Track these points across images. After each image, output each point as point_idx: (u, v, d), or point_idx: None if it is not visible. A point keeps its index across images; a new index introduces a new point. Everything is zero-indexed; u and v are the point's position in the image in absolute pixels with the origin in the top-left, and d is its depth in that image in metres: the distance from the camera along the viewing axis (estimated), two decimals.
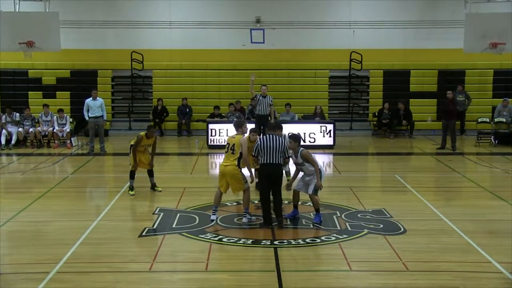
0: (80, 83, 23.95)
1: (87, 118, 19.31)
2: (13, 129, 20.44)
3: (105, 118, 19.58)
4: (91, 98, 19.23)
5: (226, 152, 10.89)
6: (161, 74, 24.82)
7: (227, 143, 10.93)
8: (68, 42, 22.68)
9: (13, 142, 20.31)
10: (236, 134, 10.99)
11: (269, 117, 17.41)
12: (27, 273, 8.54)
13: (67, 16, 22.75)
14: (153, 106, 24.02)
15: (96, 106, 19.26)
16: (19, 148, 20.20)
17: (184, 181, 14.94)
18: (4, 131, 20.31)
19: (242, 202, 11.13)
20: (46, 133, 20.74)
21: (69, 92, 24.18)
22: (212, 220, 10.85)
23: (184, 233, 10.29)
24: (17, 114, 20.97)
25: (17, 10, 21.52)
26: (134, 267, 8.75)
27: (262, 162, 10.34)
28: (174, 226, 10.73)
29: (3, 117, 20.78)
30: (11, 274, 8.59)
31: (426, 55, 24.66)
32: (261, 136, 10.64)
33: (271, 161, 10.30)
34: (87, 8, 24.49)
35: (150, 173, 13.40)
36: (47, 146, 20.59)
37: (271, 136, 10.43)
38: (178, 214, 11.42)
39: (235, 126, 11.23)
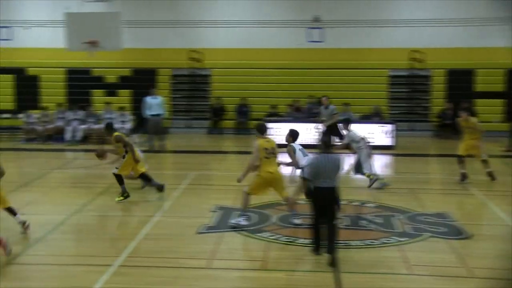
0: (141, 81, 24.31)
1: (146, 116, 19.61)
2: (78, 126, 21.02)
3: (164, 116, 19.83)
4: (150, 96, 19.53)
5: (267, 157, 10.37)
6: (220, 73, 24.96)
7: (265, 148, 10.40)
8: (130, 41, 23.04)
9: (77, 138, 20.86)
10: (264, 137, 10.65)
11: (337, 126, 17.34)
12: (89, 265, 8.75)
13: (128, 16, 23.13)
14: (211, 104, 24.18)
15: (155, 104, 19.55)
16: (83, 144, 20.70)
17: None
18: (70, 127, 20.88)
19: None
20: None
21: (130, 90, 24.59)
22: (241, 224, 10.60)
23: (242, 231, 10.31)
24: (82, 111, 21.52)
25: (82, 11, 22.01)
26: (192, 264, 8.84)
27: (317, 185, 8.89)
28: (231, 220, 10.75)
29: (70, 114, 21.37)
30: (73, 266, 8.82)
31: (491, 53, 23.93)
32: (317, 155, 9.23)
33: (327, 185, 8.85)
34: (147, 8, 24.85)
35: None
36: (109, 143, 20.96)
37: (326, 156, 8.98)
38: (236, 212, 11.44)
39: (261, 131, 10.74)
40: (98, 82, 24.84)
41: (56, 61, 24.18)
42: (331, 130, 17.70)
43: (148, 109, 19.67)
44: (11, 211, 10.14)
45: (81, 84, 24.67)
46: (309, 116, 21.26)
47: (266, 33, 24.54)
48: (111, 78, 24.90)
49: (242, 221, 10.51)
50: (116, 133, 13.07)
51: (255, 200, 12.23)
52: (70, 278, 8.31)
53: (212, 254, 9.28)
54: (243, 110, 23.58)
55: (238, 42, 24.74)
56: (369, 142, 14.09)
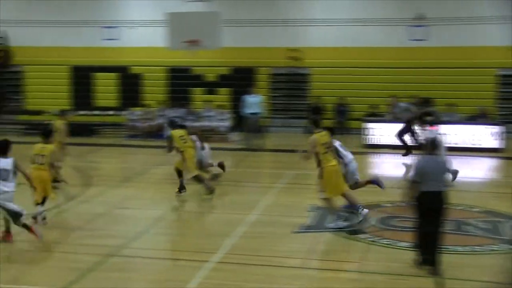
0: (240, 80, 24.50)
1: (245, 115, 19.73)
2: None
3: (262, 115, 19.89)
4: (249, 95, 19.65)
5: (326, 152, 10.24)
6: (319, 72, 24.73)
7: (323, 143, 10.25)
8: (229, 40, 23.23)
9: None
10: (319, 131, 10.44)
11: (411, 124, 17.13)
12: (187, 260, 8.87)
13: (228, 15, 23.34)
14: (310, 104, 24.01)
15: (254, 102, 19.64)
16: None
17: None
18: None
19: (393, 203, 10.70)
20: (208, 128, 21.51)
21: (229, 89, 24.82)
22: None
23: (339, 232, 10.10)
24: (182, 109, 22.00)
25: (183, 11, 22.45)
26: (288, 263, 8.77)
27: (423, 189, 8.24)
28: (328, 224, 10.57)
29: (170, 111, 21.89)
30: (171, 260, 8.98)
31: None
32: (423, 157, 8.70)
33: (433, 188, 8.26)
34: (247, 7, 25.00)
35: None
36: (208, 141, 21.21)
37: (431, 157, 8.46)
38: (333, 212, 11.24)
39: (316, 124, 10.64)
40: (198, 81, 25.26)
41: (158, 59, 24.80)
42: (406, 128, 17.11)
43: (247, 108, 19.81)
44: (43, 201, 10.52)
45: (181, 83, 25.17)
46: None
47: (366, 32, 24.06)
48: (210, 76, 25.24)
49: (340, 223, 10.29)
50: (171, 132, 13.15)
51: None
52: (168, 272, 8.47)
53: (308, 254, 9.18)
54: (341, 110, 23.26)
55: (338, 41, 24.40)
56: (445, 142, 13.58)
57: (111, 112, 23.92)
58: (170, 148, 12.93)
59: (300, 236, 10.01)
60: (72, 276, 8.10)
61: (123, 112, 23.33)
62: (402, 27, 23.82)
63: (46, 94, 25.09)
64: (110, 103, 24.91)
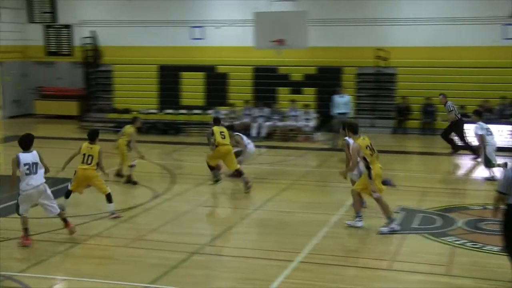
0: (326, 79, 24.42)
1: (334, 114, 19.73)
2: (263, 122, 21.72)
3: (349, 115, 19.80)
4: (338, 95, 19.65)
5: (372, 154, 10.29)
6: (406, 72, 24.30)
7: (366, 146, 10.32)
8: (315, 40, 23.21)
9: (263, 134, 21.51)
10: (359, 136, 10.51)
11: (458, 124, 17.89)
12: (271, 259, 8.99)
13: (314, 14, 23.29)
14: (397, 103, 23.66)
15: (342, 102, 19.60)
16: (268, 141, 21.26)
17: (425, 181, 14.47)
18: (255, 124, 21.63)
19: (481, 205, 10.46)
20: (293, 127, 21.61)
21: (315, 89, 24.77)
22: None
23: (425, 234, 9.99)
24: (267, 108, 22.21)
25: (270, 11, 22.63)
26: (373, 264, 8.74)
27: (510, 202, 7.56)
28: (415, 226, 10.46)
29: (255, 111, 22.15)
30: (255, 259, 9.11)
31: None
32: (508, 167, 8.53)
33: None
34: (333, 6, 24.85)
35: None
36: (293, 140, 21.38)
37: None
38: (419, 214, 11.10)
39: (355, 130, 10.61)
40: (284, 80, 25.33)
41: (244, 59, 25.07)
42: (453, 129, 18.07)
43: (335, 108, 19.79)
44: (109, 198, 10.99)
45: (267, 82, 25.34)
46: (500, 117, 20.01)
47: (455, 31, 23.40)
48: (296, 76, 25.27)
49: (395, 227, 10.16)
50: (213, 128, 13.69)
51: (438, 203, 11.84)
52: (252, 271, 8.59)
53: (394, 255, 9.11)
54: (428, 110, 22.77)
55: (426, 40, 23.87)
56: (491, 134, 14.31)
57: (197, 111, 24.41)
58: (213, 143, 13.50)
59: (386, 238, 9.94)
60: (157, 273, 8.35)
61: (209, 111, 23.77)
62: (495, 26, 23.04)
63: (134, 93, 25.89)
64: (197, 102, 25.39)
